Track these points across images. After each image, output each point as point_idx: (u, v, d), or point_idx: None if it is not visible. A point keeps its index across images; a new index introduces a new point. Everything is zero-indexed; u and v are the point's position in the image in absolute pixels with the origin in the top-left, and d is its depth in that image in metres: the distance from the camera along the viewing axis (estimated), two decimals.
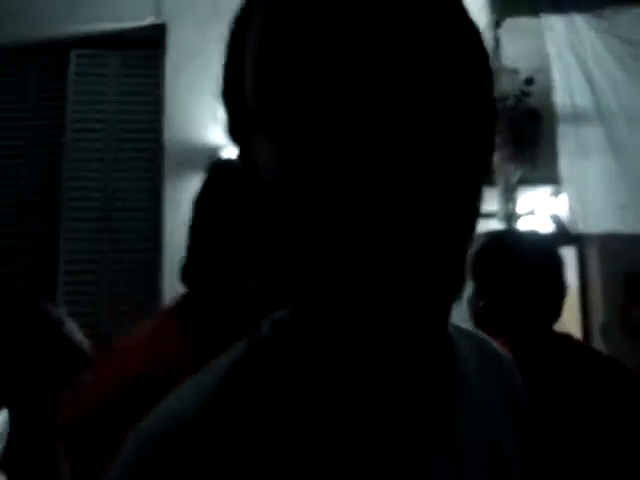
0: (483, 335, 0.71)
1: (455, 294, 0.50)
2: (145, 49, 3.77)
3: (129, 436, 0.50)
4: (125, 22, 3.63)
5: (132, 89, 3.75)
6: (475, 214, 0.49)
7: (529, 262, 1.65)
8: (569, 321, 5.19)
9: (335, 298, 0.47)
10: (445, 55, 0.45)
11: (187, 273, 1.24)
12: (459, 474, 0.54)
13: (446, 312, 0.53)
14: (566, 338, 1.70)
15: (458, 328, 0.65)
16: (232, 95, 0.52)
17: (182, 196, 3.31)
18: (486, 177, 0.51)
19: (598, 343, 4.60)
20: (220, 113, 0.52)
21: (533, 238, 1.81)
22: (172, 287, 3.14)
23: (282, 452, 0.48)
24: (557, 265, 1.72)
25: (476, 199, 0.49)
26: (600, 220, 2.70)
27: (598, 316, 4.62)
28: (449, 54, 0.45)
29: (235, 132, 0.54)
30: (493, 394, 0.64)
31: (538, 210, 4.32)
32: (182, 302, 1.21)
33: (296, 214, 0.45)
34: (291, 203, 0.45)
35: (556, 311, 1.69)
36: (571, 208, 2.71)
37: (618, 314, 4.45)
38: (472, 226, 0.49)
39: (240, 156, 0.53)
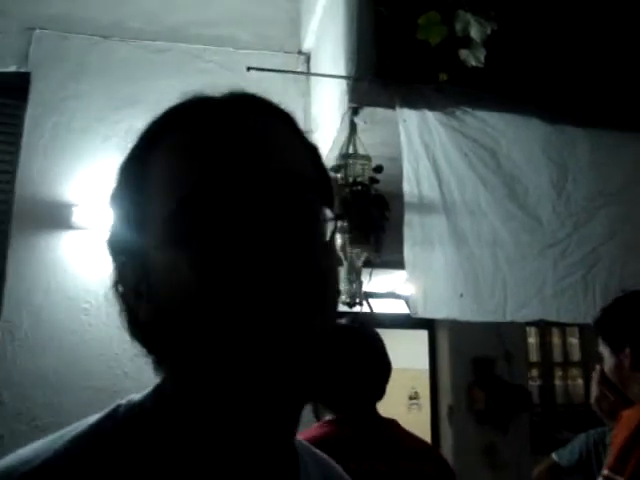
0: (328, 459, 0.82)
1: (301, 405, 0.62)
2: (5, 97, 3.59)
3: None
4: None
5: None
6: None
7: None
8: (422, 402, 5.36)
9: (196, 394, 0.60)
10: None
11: None
12: None
13: (291, 421, 0.64)
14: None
15: (306, 448, 0.76)
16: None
17: (27, 251, 3.28)
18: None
19: (445, 424, 4.86)
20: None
21: None
22: (7, 342, 3.14)
23: None
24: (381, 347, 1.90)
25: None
26: (440, 306, 2.81)
27: (446, 398, 4.88)
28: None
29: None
30: None
31: (398, 292, 4.57)
32: None
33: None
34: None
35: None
36: (413, 293, 2.86)
37: (465, 397, 4.75)
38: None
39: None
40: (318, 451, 0.81)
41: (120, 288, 0.65)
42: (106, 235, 0.67)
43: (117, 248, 0.65)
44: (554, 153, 3.00)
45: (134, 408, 0.64)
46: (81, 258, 3.31)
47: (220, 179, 0.59)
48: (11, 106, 3.58)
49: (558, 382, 6.07)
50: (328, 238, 0.64)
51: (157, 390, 0.66)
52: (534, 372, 5.82)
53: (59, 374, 3.14)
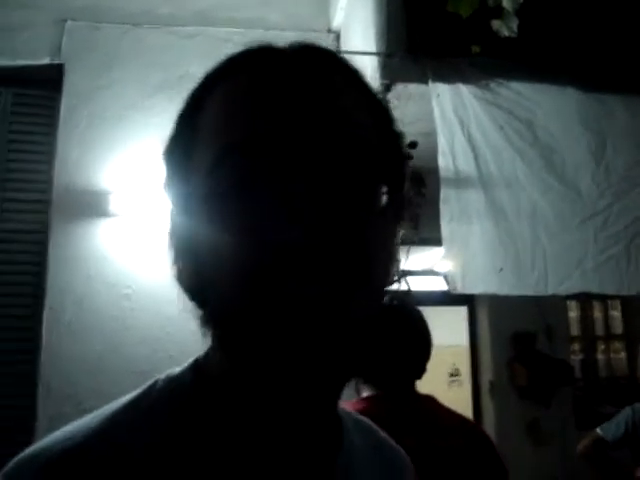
0: (370, 424, 0.81)
1: (343, 381, 0.60)
2: (40, 89, 3.62)
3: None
4: (21, 59, 3.51)
5: (23, 128, 3.59)
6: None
7: None
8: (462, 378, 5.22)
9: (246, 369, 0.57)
10: None
11: None
12: None
13: (332, 397, 0.63)
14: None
15: (349, 415, 0.75)
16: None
17: (67, 240, 3.32)
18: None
19: (487, 400, 4.80)
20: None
21: None
22: (52, 329, 3.21)
23: None
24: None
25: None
26: (478, 282, 2.77)
27: (487, 374, 4.83)
28: None
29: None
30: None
31: (436, 269, 4.50)
32: None
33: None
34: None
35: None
36: (451, 269, 2.83)
37: (506, 373, 4.70)
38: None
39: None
40: (362, 417, 0.80)
41: (173, 240, 0.64)
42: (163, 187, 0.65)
43: (170, 199, 0.64)
44: (591, 122, 2.94)
45: (171, 383, 0.64)
46: (119, 245, 3.35)
47: (268, 129, 0.56)
48: (47, 98, 3.62)
49: (600, 356, 5.97)
50: (386, 207, 0.59)
51: (196, 362, 0.65)
52: (576, 346, 5.74)
53: (103, 360, 3.20)
